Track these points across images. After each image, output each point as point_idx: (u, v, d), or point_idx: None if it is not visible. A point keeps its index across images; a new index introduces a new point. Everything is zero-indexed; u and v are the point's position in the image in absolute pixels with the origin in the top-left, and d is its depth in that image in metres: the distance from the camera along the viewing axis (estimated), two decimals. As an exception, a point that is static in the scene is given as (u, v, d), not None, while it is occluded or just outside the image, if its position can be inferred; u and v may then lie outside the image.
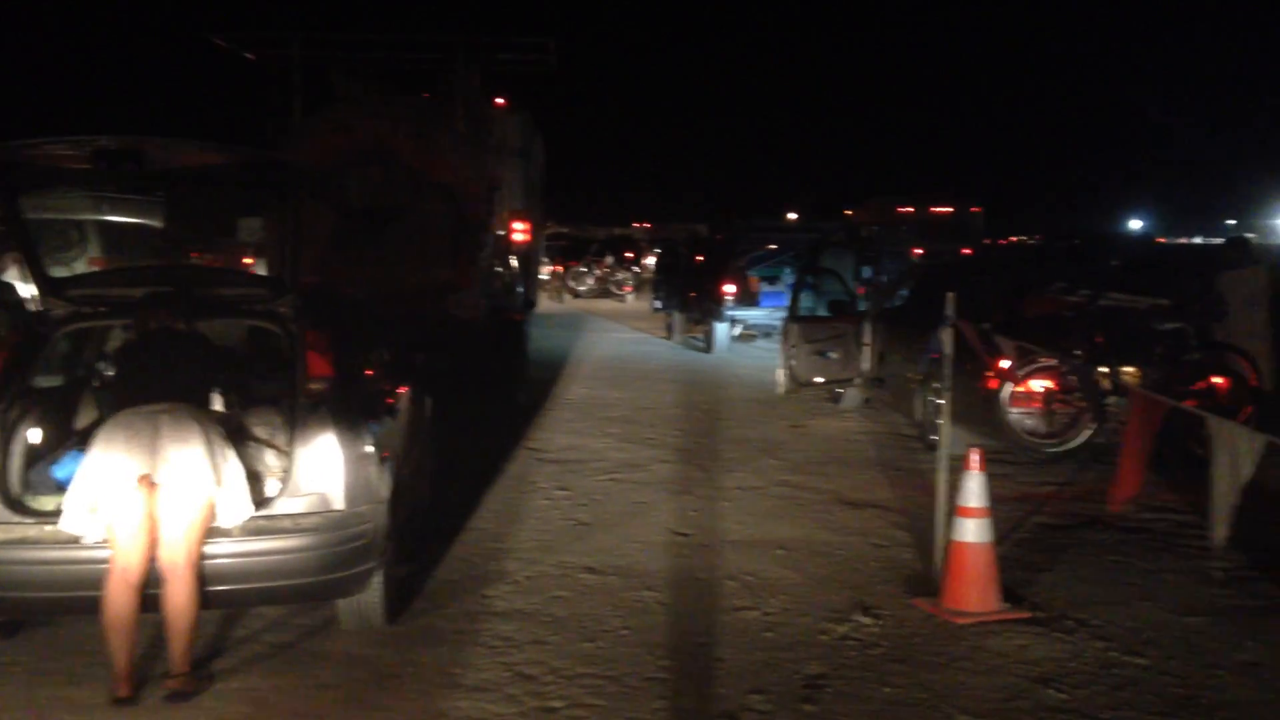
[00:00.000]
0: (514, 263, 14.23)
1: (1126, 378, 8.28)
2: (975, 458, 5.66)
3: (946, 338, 5.95)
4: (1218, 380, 8.38)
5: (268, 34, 12.07)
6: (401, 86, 11.02)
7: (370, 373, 5.88)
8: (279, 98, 10.55)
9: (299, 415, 4.87)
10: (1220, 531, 4.34)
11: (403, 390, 6.41)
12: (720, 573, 6.33)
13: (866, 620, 5.53)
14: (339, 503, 4.87)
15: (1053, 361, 7.92)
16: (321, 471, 4.85)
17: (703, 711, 4.59)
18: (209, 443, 4.59)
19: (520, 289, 14.41)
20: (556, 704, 4.63)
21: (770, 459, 9.45)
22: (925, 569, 6.21)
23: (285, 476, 4.84)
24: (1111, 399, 8.20)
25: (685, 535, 7.09)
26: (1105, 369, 8.22)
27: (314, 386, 5.00)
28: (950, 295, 5.96)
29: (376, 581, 5.15)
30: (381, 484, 5.16)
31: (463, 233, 9.97)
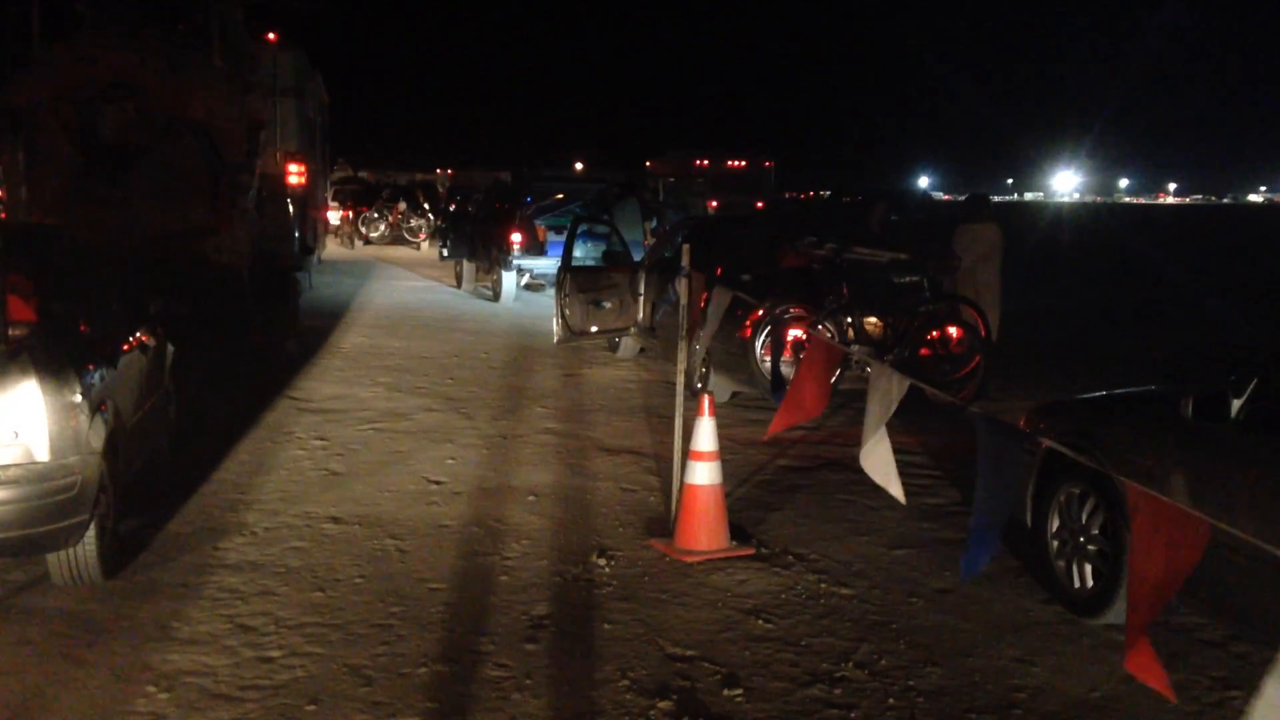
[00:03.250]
0: (290, 207, 13.74)
1: (869, 328, 8.73)
2: (706, 404, 5.87)
3: (682, 288, 6.13)
4: (951, 330, 8.91)
5: None
6: (154, 17, 10.39)
7: (88, 318, 5.60)
8: (16, 24, 9.78)
9: (-4, 363, 4.62)
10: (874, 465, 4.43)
11: (133, 337, 6.15)
12: (468, 520, 6.38)
13: (601, 562, 5.70)
14: (42, 454, 4.67)
15: (800, 311, 8.25)
16: (22, 421, 4.64)
17: (425, 655, 4.63)
18: (-116, 392, 4.31)
19: (296, 234, 13.94)
20: (274, 654, 4.59)
21: (538, 407, 9.55)
22: (666, 511, 6.43)
23: (-18, 427, 4.60)
24: (855, 347, 8.63)
25: (439, 483, 7.10)
26: (849, 319, 8.62)
27: (14, 332, 4.75)
28: (685, 247, 6.13)
29: (90, 535, 4.97)
30: (94, 434, 4.97)
31: (220, 174, 9.55)
